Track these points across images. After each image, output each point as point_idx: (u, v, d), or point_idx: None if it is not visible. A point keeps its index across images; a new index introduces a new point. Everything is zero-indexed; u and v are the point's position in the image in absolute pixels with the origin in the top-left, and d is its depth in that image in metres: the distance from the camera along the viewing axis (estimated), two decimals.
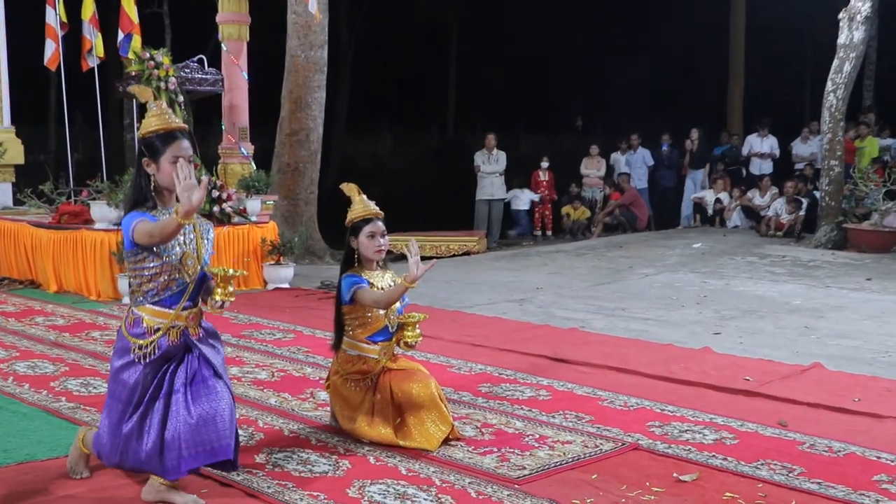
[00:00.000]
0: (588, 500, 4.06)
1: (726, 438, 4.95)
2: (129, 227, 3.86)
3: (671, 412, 5.43)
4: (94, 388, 5.76)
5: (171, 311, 3.95)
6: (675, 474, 4.40)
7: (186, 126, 4.09)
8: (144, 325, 3.94)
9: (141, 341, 3.92)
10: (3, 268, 10.34)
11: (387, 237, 4.97)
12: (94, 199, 9.88)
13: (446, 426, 4.76)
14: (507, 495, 4.11)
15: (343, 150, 28.33)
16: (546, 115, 32.96)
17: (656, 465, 4.56)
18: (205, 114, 17.23)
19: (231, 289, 4.00)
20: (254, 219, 10.36)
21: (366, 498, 4.06)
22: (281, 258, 10.21)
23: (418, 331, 4.90)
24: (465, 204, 17.43)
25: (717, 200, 17.06)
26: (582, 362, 6.59)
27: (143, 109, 13.72)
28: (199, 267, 3.99)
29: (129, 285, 4.05)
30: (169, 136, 3.94)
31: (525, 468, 4.45)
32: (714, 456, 4.66)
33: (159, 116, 4.00)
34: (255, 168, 11.43)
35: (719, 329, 7.98)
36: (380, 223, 4.93)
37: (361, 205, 4.97)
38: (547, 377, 6.20)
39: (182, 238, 3.94)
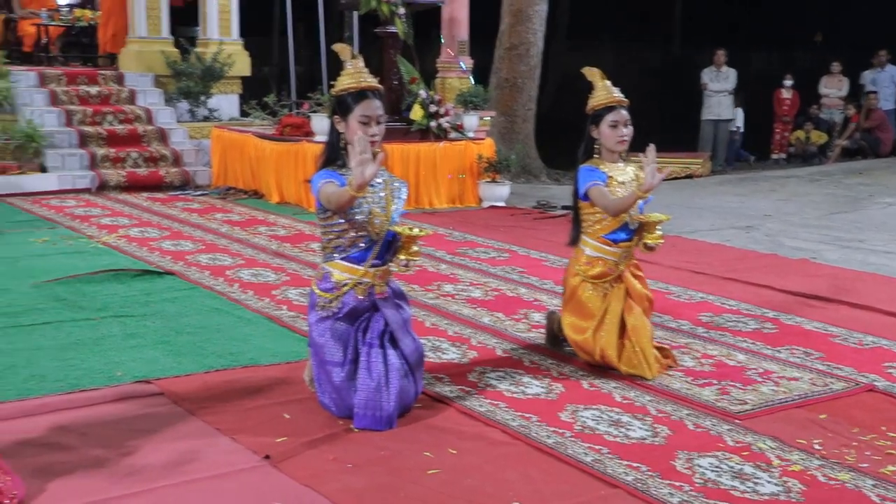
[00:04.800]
0: (815, 441, 3.81)
1: None
2: (316, 188, 3.90)
3: None
4: None
5: (359, 267, 3.98)
6: None
7: (379, 86, 4.06)
8: (333, 280, 4.00)
9: (328, 295, 3.99)
10: (229, 178, 10.77)
11: (630, 127, 4.68)
12: (314, 111, 10.08)
13: (660, 366, 4.60)
14: (727, 430, 3.91)
15: (562, 65, 27.81)
16: (781, 29, 31.04)
17: (894, 408, 4.22)
18: (424, 26, 17.25)
19: (416, 248, 3.98)
20: (470, 135, 10.31)
21: (578, 423, 3.96)
22: (497, 176, 10.14)
23: (659, 232, 4.63)
24: (689, 124, 16.75)
25: None
26: (812, 295, 6.20)
27: (363, 22, 13.79)
28: (386, 226, 3.98)
29: (321, 241, 4.11)
30: (360, 95, 3.94)
31: (747, 403, 4.23)
32: None
33: (353, 75, 4.01)
34: (473, 83, 11.35)
35: None
36: (624, 112, 4.66)
37: (605, 91, 4.71)
38: (773, 309, 5.87)
39: (370, 196, 3.94)
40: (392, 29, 10.02)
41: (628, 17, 31.96)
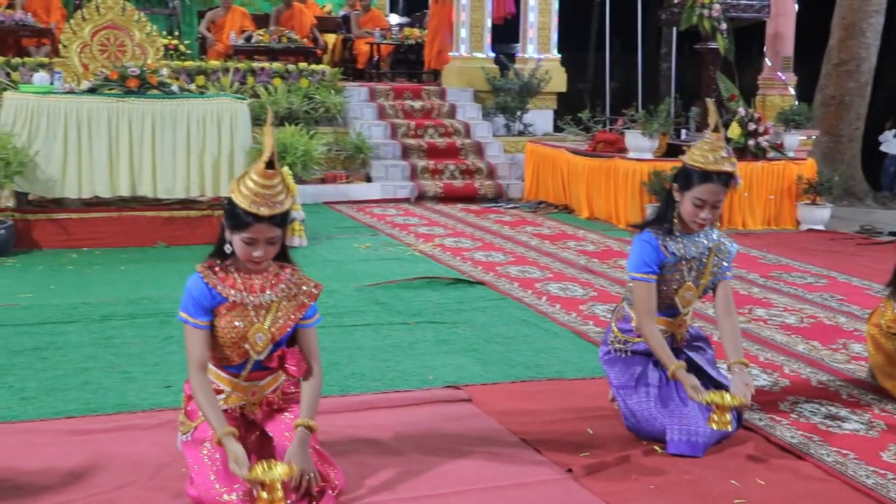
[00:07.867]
0: None
1: None
2: (634, 265, 3.94)
3: None
4: None
5: (664, 318, 4.00)
6: None
7: (730, 169, 3.83)
8: (632, 324, 4.04)
9: (623, 336, 4.06)
10: (541, 192, 10.94)
11: None
12: (628, 127, 10.05)
13: None
14: None
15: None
16: None
17: None
18: (745, 41, 16.77)
19: (728, 417, 3.72)
20: (790, 154, 9.91)
21: None
22: (817, 198, 9.67)
23: None
24: None
25: None
26: None
27: (680, 38, 13.65)
28: (695, 300, 4.01)
29: (627, 284, 4.16)
30: (705, 176, 3.80)
31: None
32: None
33: (707, 153, 3.83)
34: (795, 100, 10.89)
35: None
36: None
37: None
38: None
39: (684, 269, 3.95)
40: (712, 45, 9.82)
41: None
